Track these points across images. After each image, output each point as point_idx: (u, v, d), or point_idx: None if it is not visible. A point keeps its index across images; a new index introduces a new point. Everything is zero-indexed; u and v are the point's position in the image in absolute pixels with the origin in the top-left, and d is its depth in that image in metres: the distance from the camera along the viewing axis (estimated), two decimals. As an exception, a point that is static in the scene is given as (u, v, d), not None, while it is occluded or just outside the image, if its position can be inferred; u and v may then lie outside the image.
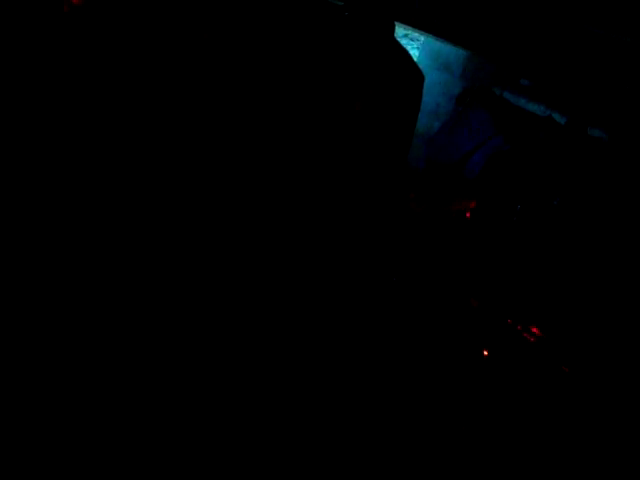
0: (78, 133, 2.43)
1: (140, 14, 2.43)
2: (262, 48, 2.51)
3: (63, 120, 2.40)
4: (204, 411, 1.95)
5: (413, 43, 5.19)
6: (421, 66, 4.94)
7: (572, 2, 3.09)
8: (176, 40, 2.48)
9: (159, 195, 2.53)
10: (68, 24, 2.35)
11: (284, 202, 2.57)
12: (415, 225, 3.36)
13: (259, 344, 2.33)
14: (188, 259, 2.52)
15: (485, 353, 2.84)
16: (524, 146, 3.63)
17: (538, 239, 3.44)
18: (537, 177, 3.52)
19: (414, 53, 5.20)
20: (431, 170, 4.25)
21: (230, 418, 1.96)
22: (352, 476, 1.93)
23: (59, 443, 1.66)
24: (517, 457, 2.30)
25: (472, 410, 2.46)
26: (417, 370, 2.57)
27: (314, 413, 2.11)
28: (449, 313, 3.07)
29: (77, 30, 2.37)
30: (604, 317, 3.11)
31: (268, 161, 2.55)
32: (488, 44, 3.59)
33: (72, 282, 2.23)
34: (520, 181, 3.58)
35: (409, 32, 5.13)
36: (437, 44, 4.80)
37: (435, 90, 4.85)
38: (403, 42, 5.26)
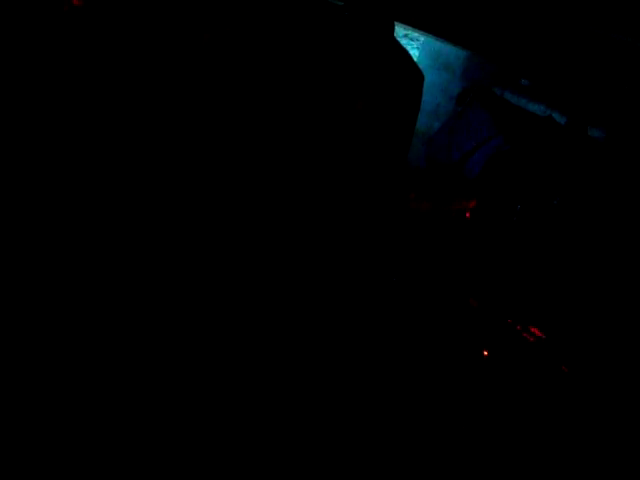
0: (78, 132, 2.43)
1: (140, 14, 2.43)
2: (262, 48, 2.51)
3: (63, 119, 2.40)
4: (204, 410, 1.95)
5: (413, 43, 5.19)
6: (421, 66, 4.94)
7: (572, 2, 3.09)
8: (176, 40, 2.48)
9: (159, 195, 2.53)
10: (68, 24, 2.36)
11: (284, 201, 2.57)
12: (415, 225, 3.36)
13: (259, 343, 2.33)
14: (188, 259, 2.52)
15: (485, 353, 2.84)
16: (524, 146, 3.63)
17: (538, 239, 3.43)
18: (537, 177, 3.51)
19: (414, 53, 5.20)
20: (431, 170, 4.25)
21: (230, 418, 1.96)
22: (352, 476, 1.93)
23: (59, 443, 1.66)
24: (517, 457, 2.29)
25: (472, 409, 2.46)
26: (417, 370, 2.57)
27: (314, 412, 2.11)
28: (449, 313, 3.07)
29: (77, 30, 2.37)
30: (604, 317, 3.11)
31: (268, 161, 2.55)
32: (488, 44, 3.59)
33: (72, 282, 2.23)
34: (520, 181, 3.58)
35: (409, 32, 5.13)
36: (437, 44, 4.80)
37: (435, 90, 4.85)
38: (403, 42, 5.26)
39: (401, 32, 5.12)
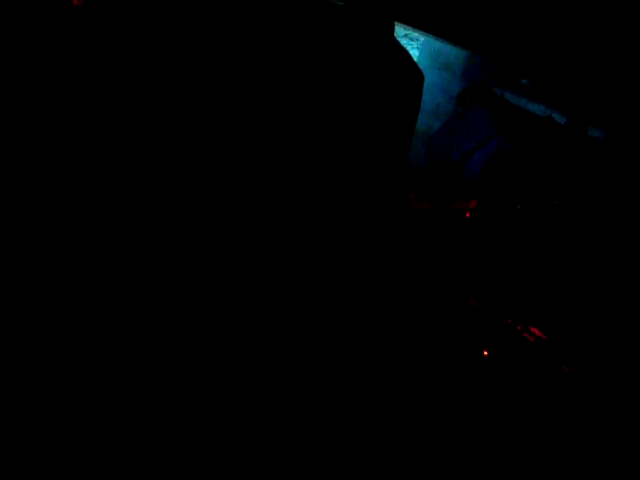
0: (78, 132, 2.43)
1: (140, 14, 2.43)
2: (263, 48, 2.51)
3: (63, 119, 2.40)
4: (204, 410, 1.95)
5: (413, 43, 5.19)
6: (421, 66, 4.94)
7: (572, 2, 3.09)
8: (177, 40, 2.48)
9: (160, 195, 2.53)
10: (68, 24, 2.36)
11: (285, 201, 2.57)
12: (415, 225, 3.36)
13: (260, 343, 2.33)
14: (189, 259, 2.52)
15: (485, 353, 2.84)
16: (524, 146, 3.63)
17: (538, 239, 3.43)
18: (537, 177, 3.51)
19: (414, 53, 5.20)
20: (431, 170, 4.25)
21: (230, 417, 1.96)
22: (352, 476, 1.93)
23: (59, 443, 1.66)
24: (517, 457, 2.29)
25: (472, 409, 2.46)
26: (417, 369, 2.57)
27: (314, 412, 2.11)
28: (449, 313, 3.07)
29: (77, 29, 2.37)
30: (604, 317, 3.11)
31: (269, 160, 2.55)
32: (488, 44, 3.59)
33: (73, 282, 2.23)
34: (520, 181, 3.58)
35: (409, 32, 5.13)
36: (437, 44, 4.80)
37: (435, 90, 4.85)
38: (403, 42, 5.26)
39: (401, 32, 5.12)
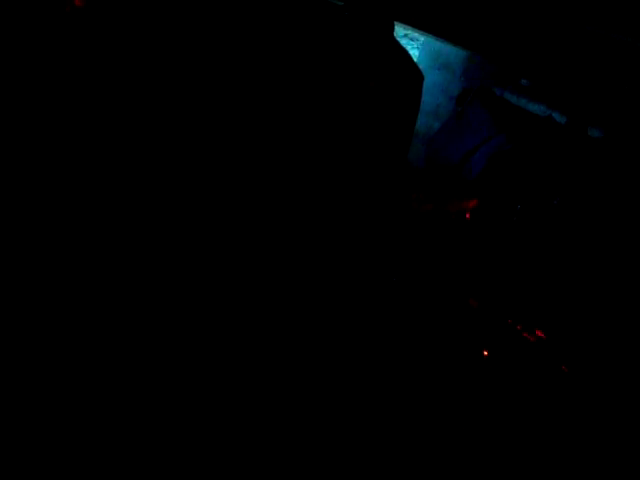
0: (79, 132, 2.43)
1: (141, 15, 2.43)
2: (263, 48, 2.51)
3: (64, 119, 2.40)
4: (204, 410, 1.95)
5: (413, 43, 5.19)
6: (421, 66, 4.94)
7: (572, 2, 3.09)
8: (177, 40, 2.48)
9: (161, 195, 2.53)
10: (69, 24, 2.36)
11: (285, 201, 2.57)
12: (416, 225, 3.36)
13: (260, 343, 2.33)
14: (189, 258, 2.52)
15: (485, 353, 2.84)
16: (524, 146, 3.63)
17: (538, 239, 3.43)
18: (537, 177, 3.52)
19: (414, 53, 5.20)
20: (431, 170, 4.26)
21: (230, 417, 1.96)
22: (352, 476, 1.93)
23: (59, 443, 1.66)
24: (517, 456, 2.29)
25: (472, 409, 2.46)
26: (417, 370, 2.57)
27: (314, 412, 2.11)
28: (449, 313, 3.07)
29: (78, 30, 2.37)
30: (604, 317, 3.11)
31: (269, 161, 2.55)
32: (488, 44, 3.59)
33: (73, 282, 2.23)
34: (520, 181, 3.58)
35: (409, 32, 5.13)
36: (437, 44, 4.80)
37: (435, 90, 4.85)
38: (403, 42, 5.26)
39: (401, 32, 5.12)
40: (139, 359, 2.05)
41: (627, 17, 2.89)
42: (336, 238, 2.67)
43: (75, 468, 1.62)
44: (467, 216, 3.54)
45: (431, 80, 4.87)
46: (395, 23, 3.68)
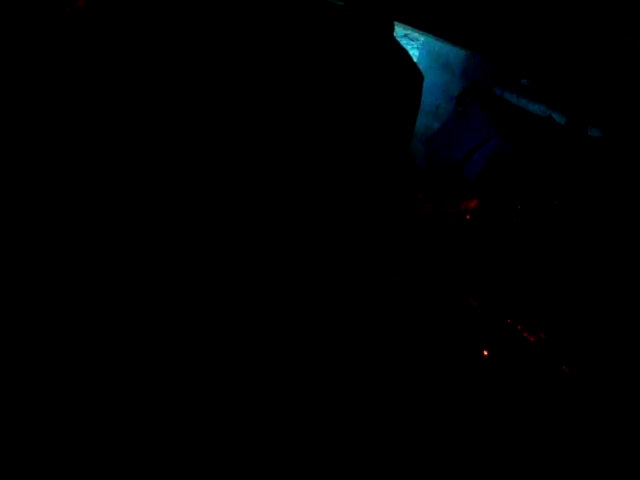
0: (80, 133, 2.43)
1: (142, 15, 2.43)
2: (263, 48, 2.51)
3: (65, 120, 2.40)
4: (204, 410, 1.95)
5: (413, 43, 5.19)
6: (421, 66, 4.94)
7: (572, 2, 3.09)
8: (177, 41, 2.48)
9: (161, 195, 2.53)
10: (70, 25, 2.36)
11: (285, 202, 2.58)
12: (417, 225, 3.36)
13: (260, 343, 2.33)
14: (189, 258, 2.52)
15: (485, 353, 2.84)
16: (524, 146, 3.63)
17: (538, 239, 3.44)
18: (537, 177, 3.52)
19: (414, 53, 5.20)
20: (431, 170, 4.26)
21: (230, 418, 1.96)
22: (352, 476, 1.93)
23: (59, 443, 1.66)
24: (517, 457, 2.29)
25: (472, 409, 2.46)
26: (417, 370, 2.57)
27: (314, 412, 2.11)
28: (449, 313, 3.07)
29: (79, 31, 2.38)
30: (604, 317, 3.11)
31: (269, 161, 2.55)
32: (488, 44, 3.59)
33: (73, 282, 2.23)
34: (520, 181, 3.58)
35: (409, 32, 5.13)
36: (437, 44, 4.80)
37: (435, 90, 4.85)
38: (403, 42, 5.26)
39: (401, 32, 5.12)
40: (139, 359, 2.05)
41: (627, 17, 2.89)
42: (336, 238, 2.68)
43: (75, 468, 1.62)
44: (467, 217, 3.54)
45: (431, 80, 4.87)
46: (395, 23, 3.68)
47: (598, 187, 3.30)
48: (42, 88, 2.35)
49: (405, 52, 2.61)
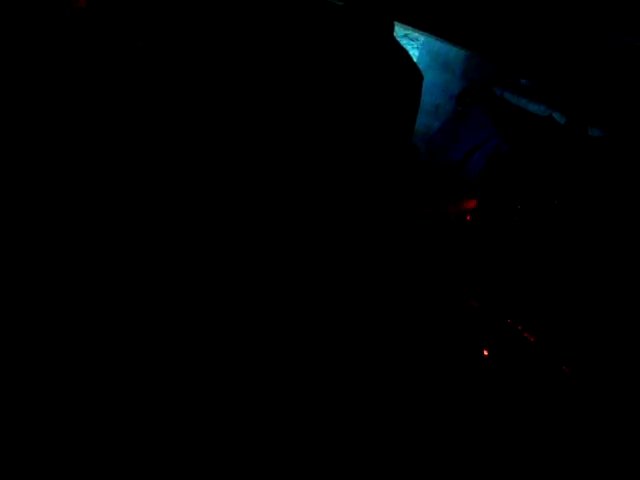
0: (80, 133, 2.43)
1: (142, 15, 2.43)
2: (263, 48, 2.51)
3: (65, 120, 2.40)
4: (204, 411, 1.95)
5: (413, 43, 5.19)
6: (421, 66, 4.94)
7: (572, 2, 3.09)
8: (178, 41, 2.48)
9: (161, 195, 2.53)
10: (71, 25, 2.36)
11: (285, 201, 2.58)
12: (417, 225, 3.36)
13: (260, 343, 2.33)
14: (189, 258, 2.52)
15: (485, 353, 2.84)
16: (524, 146, 3.63)
17: (538, 239, 3.44)
18: (537, 177, 3.52)
19: (414, 53, 5.20)
20: (431, 170, 4.25)
21: (230, 418, 1.96)
22: (352, 476, 1.93)
23: (59, 443, 1.66)
24: (517, 456, 2.29)
25: (472, 409, 2.46)
26: (417, 370, 2.57)
27: (314, 412, 2.11)
28: (450, 313, 3.07)
29: (79, 31, 2.38)
30: (604, 317, 3.11)
31: (269, 161, 2.55)
32: (488, 44, 3.59)
33: (72, 282, 2.23)
34: (520, 181, 3.58)
35: (409, 32, 5.13)
36: (437, 44, 4.80)
37: (435, 90, 4.85)
38: (403, 42, 5.26)
39: (401, 32, 5.13)
40: (139, 358, 2.05)
41: (627, 17, 2.89)
42: (336, 238, 2.68)
43: (75, 468, 1.62)
44: (467, 218, 3.54)
45: (431, 80, 4.87)
46: (395, 23, 3.68)
47: (598, 187, 3.30)
48: (43, 87, 2.35)
49: (405, 52, 2.61)
